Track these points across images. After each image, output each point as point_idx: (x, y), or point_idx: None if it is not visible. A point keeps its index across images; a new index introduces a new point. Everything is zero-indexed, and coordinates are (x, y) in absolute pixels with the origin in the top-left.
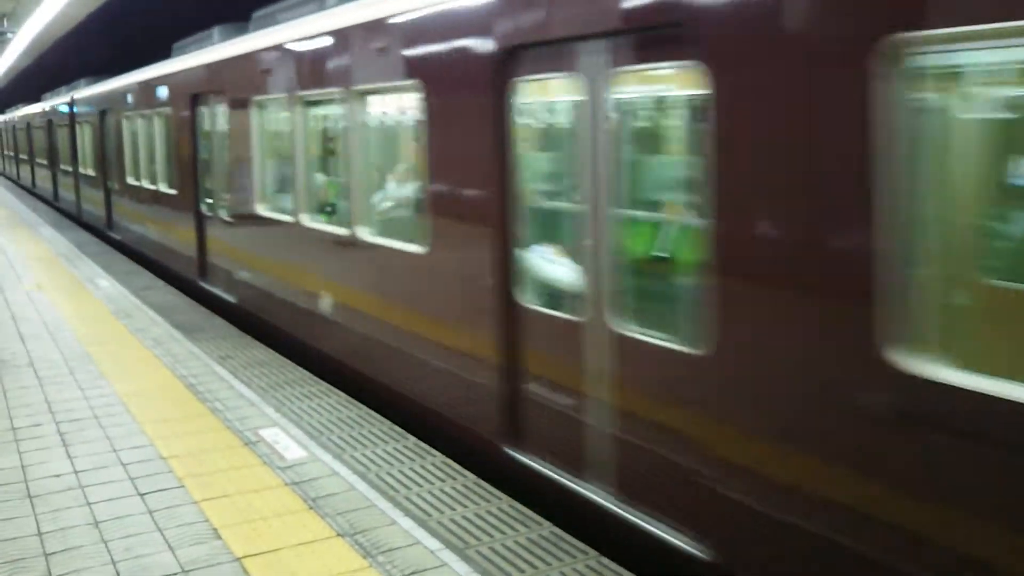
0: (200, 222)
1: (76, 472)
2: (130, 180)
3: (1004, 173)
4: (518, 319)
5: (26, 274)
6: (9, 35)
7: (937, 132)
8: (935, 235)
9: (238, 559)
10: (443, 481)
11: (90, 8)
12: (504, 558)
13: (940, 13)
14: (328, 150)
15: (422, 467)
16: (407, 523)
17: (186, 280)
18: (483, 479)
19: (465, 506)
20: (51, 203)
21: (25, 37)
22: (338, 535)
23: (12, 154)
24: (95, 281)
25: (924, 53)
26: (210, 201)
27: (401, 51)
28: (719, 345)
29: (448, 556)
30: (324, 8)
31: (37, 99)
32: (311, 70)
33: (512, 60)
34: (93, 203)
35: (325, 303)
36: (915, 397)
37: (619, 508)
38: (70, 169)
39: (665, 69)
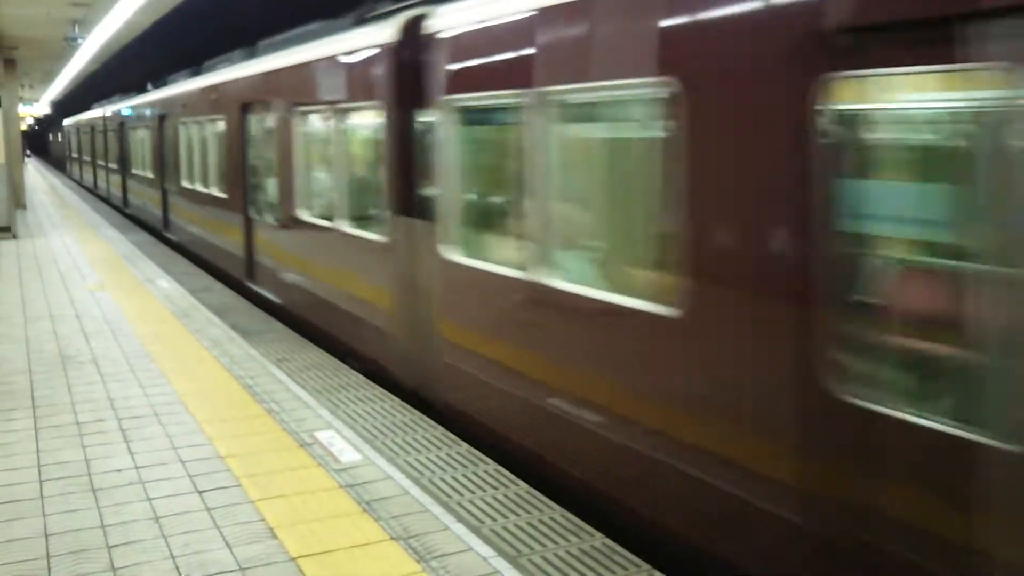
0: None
1: (137, 468)
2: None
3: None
4: None
5: (91, 274)
6: (80, 40)
7: None
8: None
9: (293, 559)
10: (496, 488)
11: (159, 14)
12: (556, 567)
13: None
14: None
15: (475, 474)
16: (460, 529)
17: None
18: None
19: (517, 515)
20: (159, 232)
21: (95, 42)
22: (392, 538)
23: (89, 159)
24: (155, 281)
25: None
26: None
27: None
28: None
29: (500, 564)
30: None
31: (106, 101)
32: None
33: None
34: (271, 254)
35: None
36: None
37: None
38: (203, 189)
39: None
